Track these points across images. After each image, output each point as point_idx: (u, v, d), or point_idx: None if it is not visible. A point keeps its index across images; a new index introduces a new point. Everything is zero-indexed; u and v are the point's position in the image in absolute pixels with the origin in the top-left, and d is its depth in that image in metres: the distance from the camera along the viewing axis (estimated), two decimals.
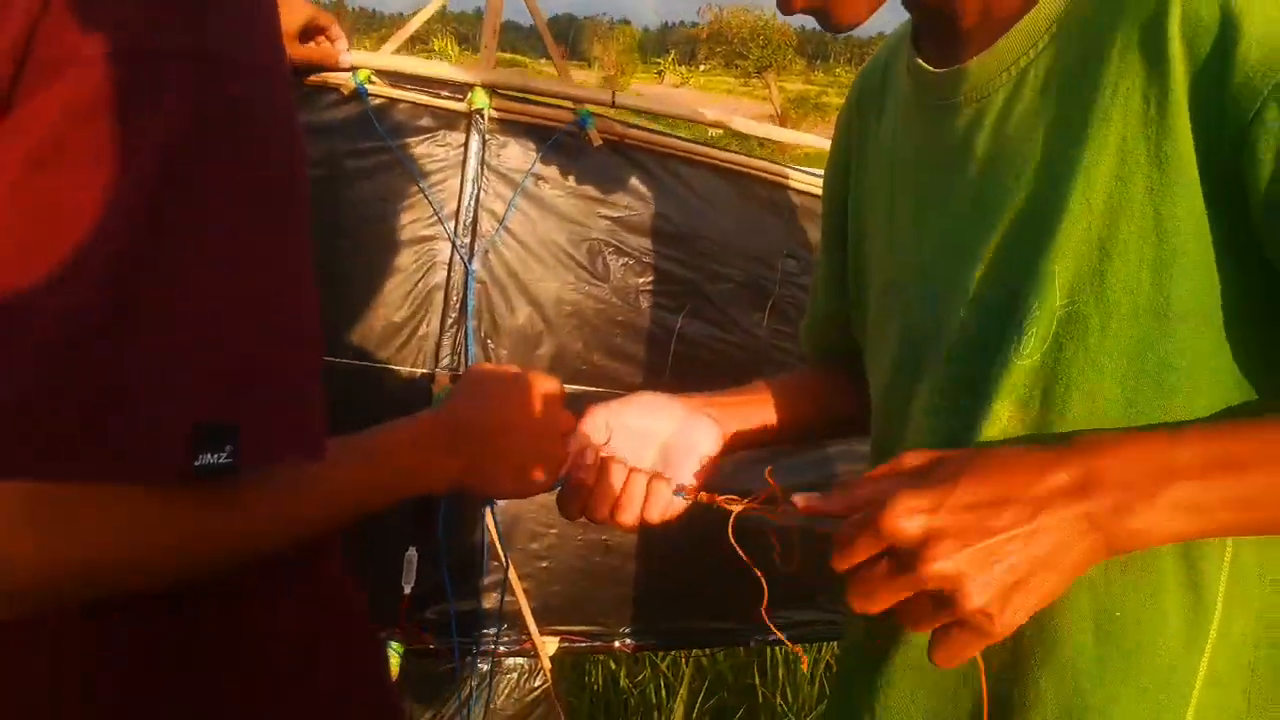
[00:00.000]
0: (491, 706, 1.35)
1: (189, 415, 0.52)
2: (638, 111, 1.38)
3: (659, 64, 38.02)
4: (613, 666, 2.29)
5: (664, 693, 2.22)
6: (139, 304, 0.52)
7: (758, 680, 2.29)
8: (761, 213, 1.42)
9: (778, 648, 2.32)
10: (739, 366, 1.44)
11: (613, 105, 1.32)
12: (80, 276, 0.50)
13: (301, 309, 0.60)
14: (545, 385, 0.85)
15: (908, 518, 0.55)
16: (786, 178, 1.41)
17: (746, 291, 1.42)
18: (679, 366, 1.40)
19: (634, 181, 1.34)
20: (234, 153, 0.57)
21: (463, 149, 1.25)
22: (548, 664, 1.36)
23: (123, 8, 0.53)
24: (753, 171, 1.39)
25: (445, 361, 1.31)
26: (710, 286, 1.40)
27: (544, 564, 1.35)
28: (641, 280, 1.36)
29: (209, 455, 0.52)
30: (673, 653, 2.33)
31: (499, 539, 1.31)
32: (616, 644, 1.42)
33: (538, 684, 1.37)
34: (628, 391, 1.38)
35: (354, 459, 0.71)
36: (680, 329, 1.39)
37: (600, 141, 1.29)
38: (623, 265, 1.35)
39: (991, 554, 0.55)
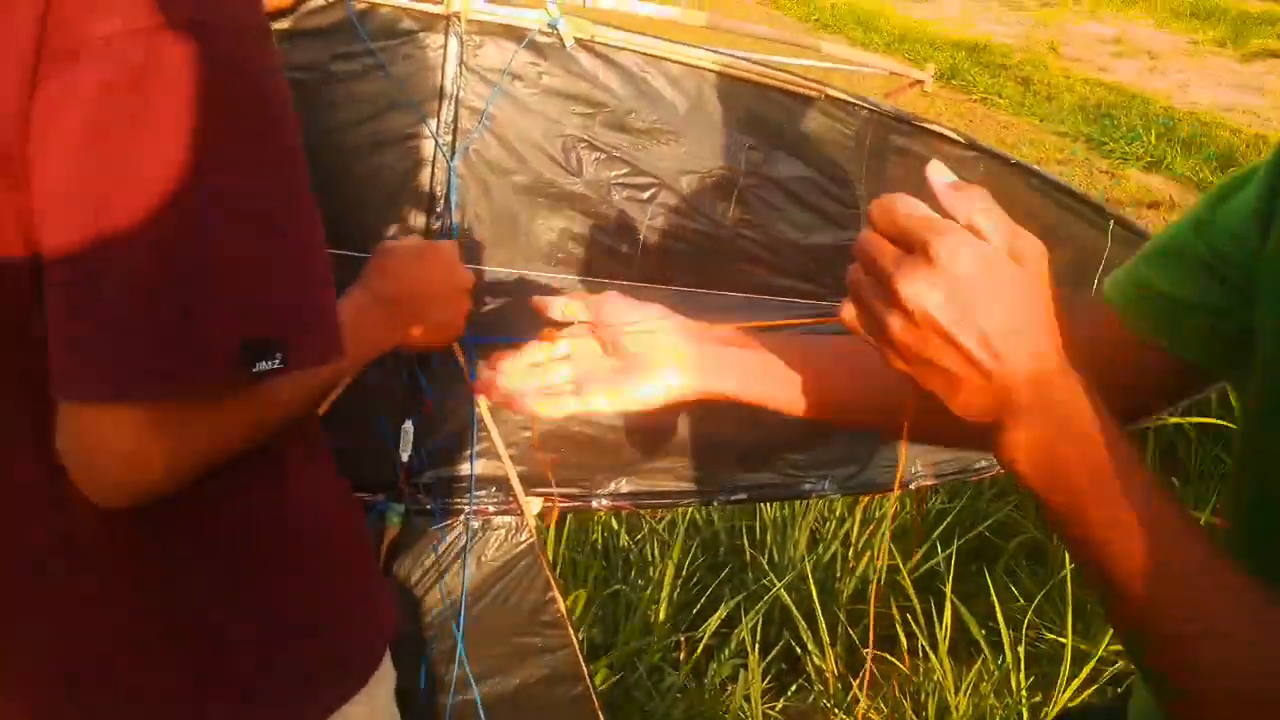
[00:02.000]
0: (482, 559, 1.50)
1: (245, 333, 0.66)
2: (608, 12, 1.43)
3: None
4: (614, 527, 2.46)
5: (658, 550, 2.39)
6: (195, 250, 0.64)
7: (746, 542, 2.45)
8: (726, 107, 1.48)
9: (769, 513, 2.48)
10: (706, 253, 1.52)
11: (585, 5, 1.38)
12: (151, 232, 0.62)
13: (315, 227, 0.72)
14: (445, 250, 1.04)
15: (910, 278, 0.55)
16: (754, 72, 1.47)
17: (712, 182, 1.50)
18: (648, 254, 1.49)
19: (606, 80, 1.40)
20: (240, 104, 0.66)
21: (442, 50, 1.32)
22: (532, 522, 1.50)
23: None
24: (722, 70, 1.45)
25: None
26: (677, 179, 1.47)
27: (526, 434, 1.48)
28: (613, 174, 1.44)
29: (265, 363, 0.66)
30: (669, 516, 2.49)
31: (486, 413, 1.43)
32: (594, 504, 1.56)
33: (523, 539, 1.51)
34: (602, 279, 1.48)
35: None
36: (650, 220, 1.48)
37: (573, 41, 1.36)
38: (595, 160, 1.43)
39: (929, 333, 0.55)
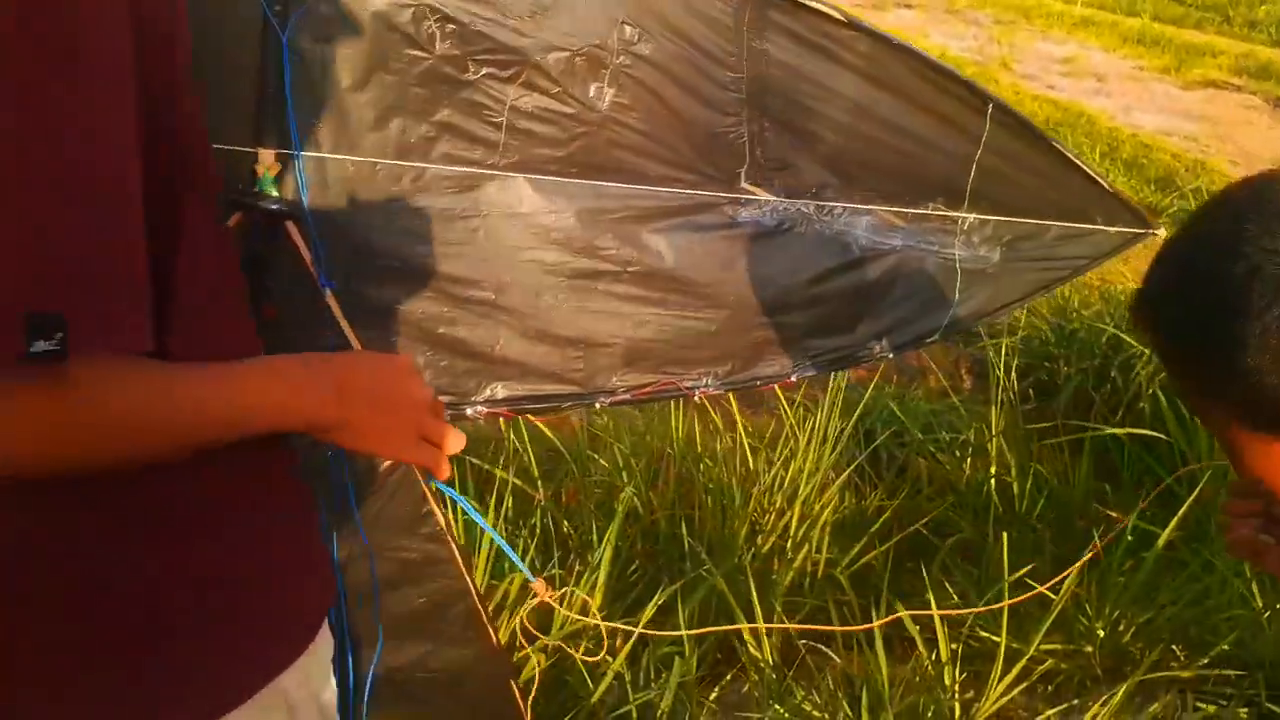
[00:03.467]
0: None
1: (17, 305, 0.57)
2: None
3: None
4: (555, 514, 2.42)
5: (596, 536, 2.36)
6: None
7: (685, 531, 2.42)
8: None
9: (710, 504, 2.45)
10: (577, 138, 1.44)
11: None
12: None
13: (123, 182, 0.64)
14: (401, 359, 0.92)
15: None
16: None
17: (583, 61, 1.41)
18: (515, 140, 1.40)
19: None
20: (74, 63, 0.59)
21: None
22: None
23: None
24: None
25: (268, 140, 1.27)
26: (545, 57, 1.38)
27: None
28: (470, 49, 1.34)
29: (41, 342, 0.57)
30: (608, 503, 2.47)
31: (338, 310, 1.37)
32: (469, 411, 1.54)
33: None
34: (463, 167, 1.39)
35: (225, 375, 0.76)
36: (513, 101, 1.37)
37: None
38: (451, 33, 1.32)
39: None
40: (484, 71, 1.35)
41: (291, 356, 0.82)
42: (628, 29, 1.42)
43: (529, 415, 2.08)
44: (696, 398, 1.70)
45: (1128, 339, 3.37)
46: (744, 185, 1.61)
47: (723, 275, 1.64)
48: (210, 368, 0.75)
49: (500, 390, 1.52)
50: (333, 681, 0.97)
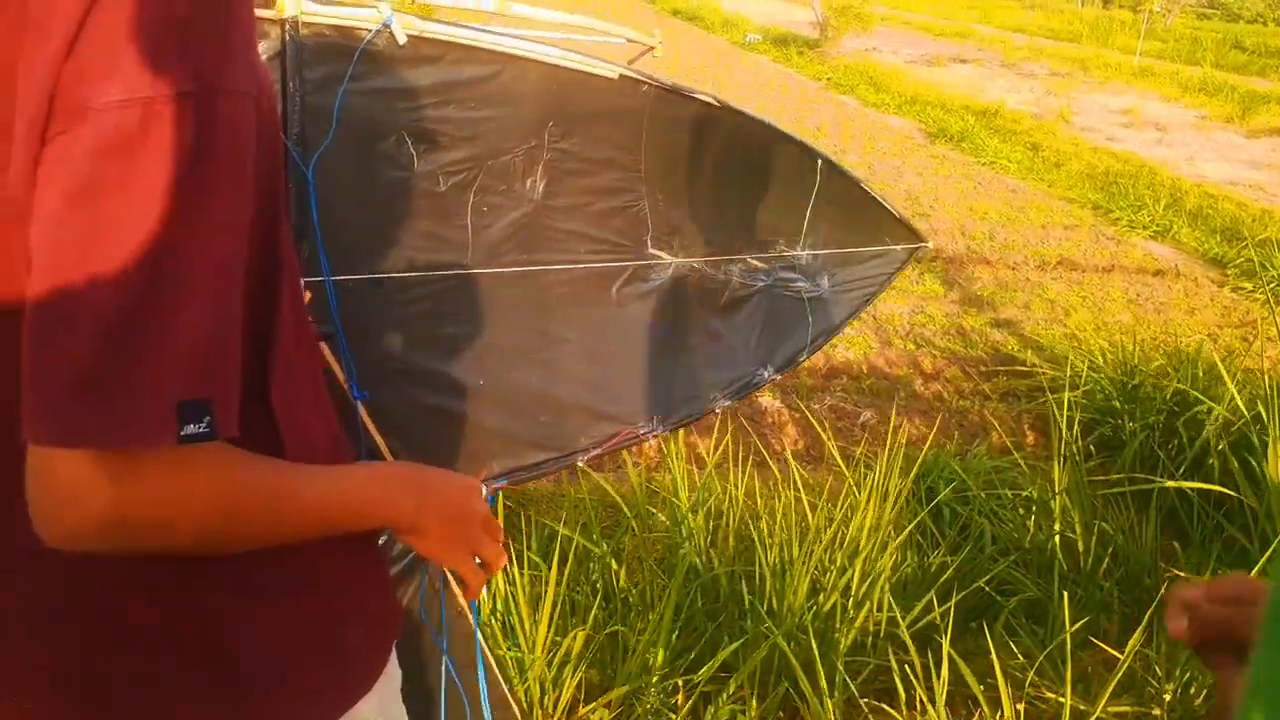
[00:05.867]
0: None
1: (179, 395, 0.66)
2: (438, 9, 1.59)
3: None
4: (614, 567, 2.46)
5: (657, 593, 2.37)
6: (144, 312, 0.65)
7: (745, 588, 2.42)
8: (530, 89, 1.63)
9: (770, 561, 2.45)
10: (525, 229, 1.70)
11: (414, 2, 1.53)
12: (114, 286, 0.64)
13: (240, 272, 0.72)
14: (469, 479, 1.01)
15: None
16: (555, 58, 1.64)
17: (522, 161, 1.65)
18: (479, 239, 1.64)
19: (426, 73, 1.50)
20: (222, 172, 0.68)
21: (279, 59, 1.36)
22: None
23: (134, 57, 0.64)
24: (525, 55, 1.61)
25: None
26: (495, 160, 1.62)
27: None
28: (439, 162, 1.55)
29: (191, 426, 0.67)
30: (668, 560, 2.48)
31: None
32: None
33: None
34: (445, 270, 1.60)
35: (334, 473, 0.85)
36: (473, 203, 1.61)
37: (405, 38, 1.44)
38: (422, 150, 1.54)
39: None
40: (450, 182, 1.58)
41: (390, 465, 0.96)
42: (555, 129, 1.67)
43: (523, 484, 2.26)
44: (651, 440, 2.05)
45: (1195, 394, 3.33)
46: (650, 250, 1.89)
47: (644, 332, 1.94)
48: (320, 467, 0.84)
49: (494, 466, 1.68)
50: (401, 706, 1.04)
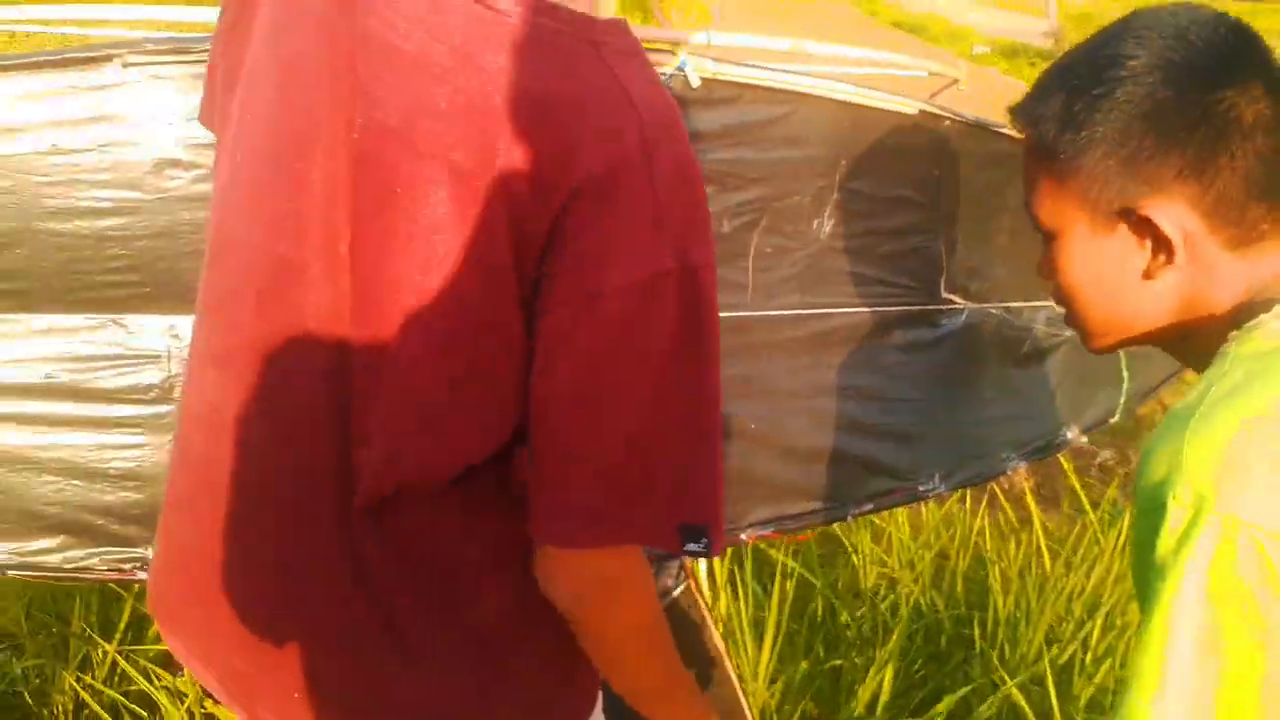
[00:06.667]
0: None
1: (684, 519, 0.79)
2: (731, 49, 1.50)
3: None
4: (833, 601, 2.39)
5: (881, 631, 2.30)
6: (664, 452, 0.78)
7: (976, 633, 2.32)
8: (821, 127, 1.55)
9: (1004, 608, 2.34)
10: (805, 268, 1.61)
11: (709, 44, 1.44)
12: (630, 434, 0.76)
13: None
14: None
15: None
16: (853, 95, 1.56)
17: (809, 201, 1.57)
18: (758, 281, 1.58)
19: (714, 112, 1.46)
20: (701, 334, 0.77)
21: None
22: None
23: (629, 241, 0.72)
24: (822, 94, 1.54)
25: None
26: (780, 203, 1.55)
27: None
28: (724, 203, 1.50)
29: (691, 545, 0.80)
30: (890, 597, 2.39)
31: None
32: (741, 536, 1.65)
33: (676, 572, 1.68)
34: (727, 313, 1.53)
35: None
36: (756, 245, 1.54)
37: (699, 81, 1.41)
38: (713, 192, 1.47)
39: None
40: (735, 223, 1.53)
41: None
42: (845, 167, 1.58)
43: (791, 535, 2.17)
44: (929, 499, 1.92)
45: None
46: (943, 294, 1.75)
47: (931, 382, 1.80)
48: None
49: (762, 513, 1.64)
50: None
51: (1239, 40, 0.80)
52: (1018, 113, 0.89)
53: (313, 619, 0.85)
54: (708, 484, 0.81)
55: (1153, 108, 0.79)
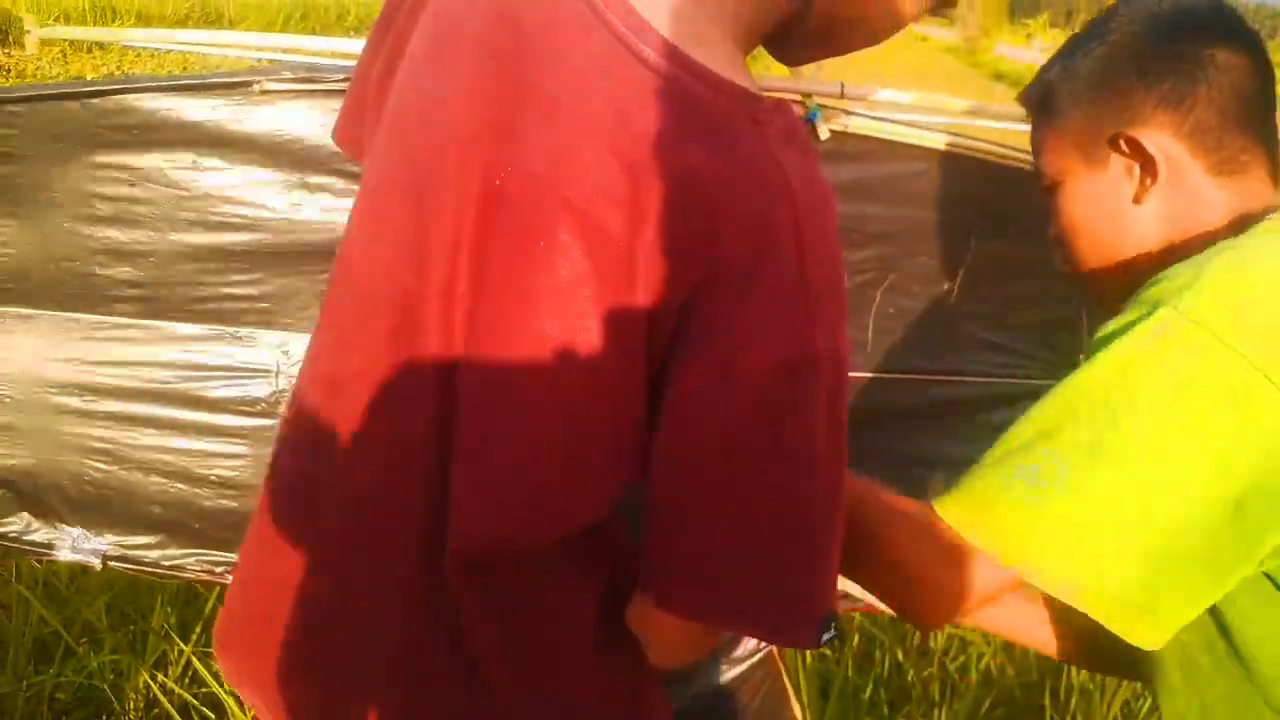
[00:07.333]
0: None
1: (822, 608, 0.76)
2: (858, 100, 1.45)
3: (1027, 25, 35.34)
4: (899, 658, 2.35)
5: (950, 691, 2.25)
6: (801, 538, 0.75)
7: (1048, 702, 2.26)
8: (952, 184, 1.49)
9: (1077, 678, 2.27)
10: (930, 332, 1.54)
11: (841, 96, 1.40)
12: (770, 519, 0.74)
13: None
14: None
15: None
16: (980, 150, 1.49)
17: (938, 263, 1.52)
18: (879, 340, 1.53)
19: (837, 165, 1.42)
20: (832, 424, 0.74)
21: None
22: None
23: (774, 316, 0.70)
24: (958, 151, 1.47)
25: None
26: (906, 262, 1.49)
27: None
28: (846, 263, 1.45)
29: (824, 634, 0.77)
30: (960, 658, 2.34)
31: None
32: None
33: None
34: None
35: None
36: (878, 304, 1.50)
37: (828, 134, 1.38)
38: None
39: None
40: (854, 280, 1.49)
41: None
42: (980, 229, 1.52)
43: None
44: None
45: None
46: None
47: None
48: None
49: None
50: None
51: (1218, 5, 0.91)
52: (1028, 86, 1.00)
53: (389, 670, 0.83)
54: (833, 569, 0.79)
55: (1137, 49, 0.89)
